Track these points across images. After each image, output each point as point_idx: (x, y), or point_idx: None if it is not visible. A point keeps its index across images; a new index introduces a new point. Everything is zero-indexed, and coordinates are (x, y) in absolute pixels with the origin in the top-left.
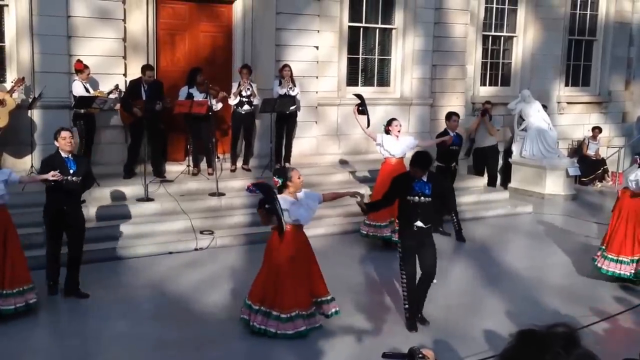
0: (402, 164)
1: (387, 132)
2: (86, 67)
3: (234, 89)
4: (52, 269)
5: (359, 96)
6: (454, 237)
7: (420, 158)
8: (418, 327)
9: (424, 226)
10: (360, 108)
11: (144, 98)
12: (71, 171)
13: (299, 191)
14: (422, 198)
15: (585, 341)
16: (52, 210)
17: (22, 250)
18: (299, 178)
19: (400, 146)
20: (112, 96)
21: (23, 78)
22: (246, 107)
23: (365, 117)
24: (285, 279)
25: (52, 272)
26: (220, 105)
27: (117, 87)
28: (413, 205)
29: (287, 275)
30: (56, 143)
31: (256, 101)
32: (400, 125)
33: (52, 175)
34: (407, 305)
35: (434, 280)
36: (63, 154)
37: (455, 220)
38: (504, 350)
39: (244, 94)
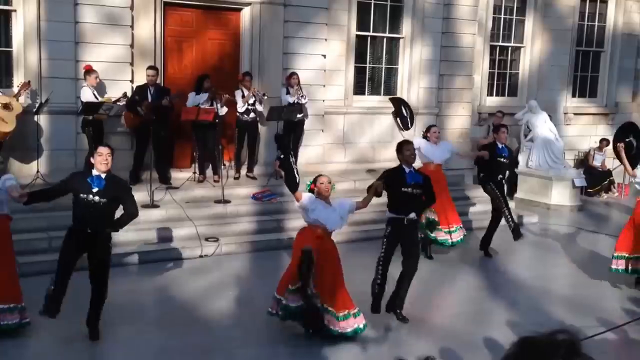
0: (440, 170)
1: (425, 137)
2: (94, 70)
3: (240, 97)
4: (55, 295)
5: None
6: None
7: None
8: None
9: (415, 218)
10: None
11: (149, 100)
12: (94, 190)
13: (326, 197)
14: (416, 190)
15: (586, 349)
16: (73, 230)
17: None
18: (322, 184)
19: (438, 151)
20: (119, 103)
21: (29, 82)
22: (252, 114)
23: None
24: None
25: (54, 297)
26: (225, 109)
27: (125, 94)
28: (407, 197)
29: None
30: (92, 160)
31: (260, 108)
32: (439, 132)
33: (20, 195)
34: (378, 281)
35: None
36: (94, 172)
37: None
38: (505, 356)
39: (250, 101)
